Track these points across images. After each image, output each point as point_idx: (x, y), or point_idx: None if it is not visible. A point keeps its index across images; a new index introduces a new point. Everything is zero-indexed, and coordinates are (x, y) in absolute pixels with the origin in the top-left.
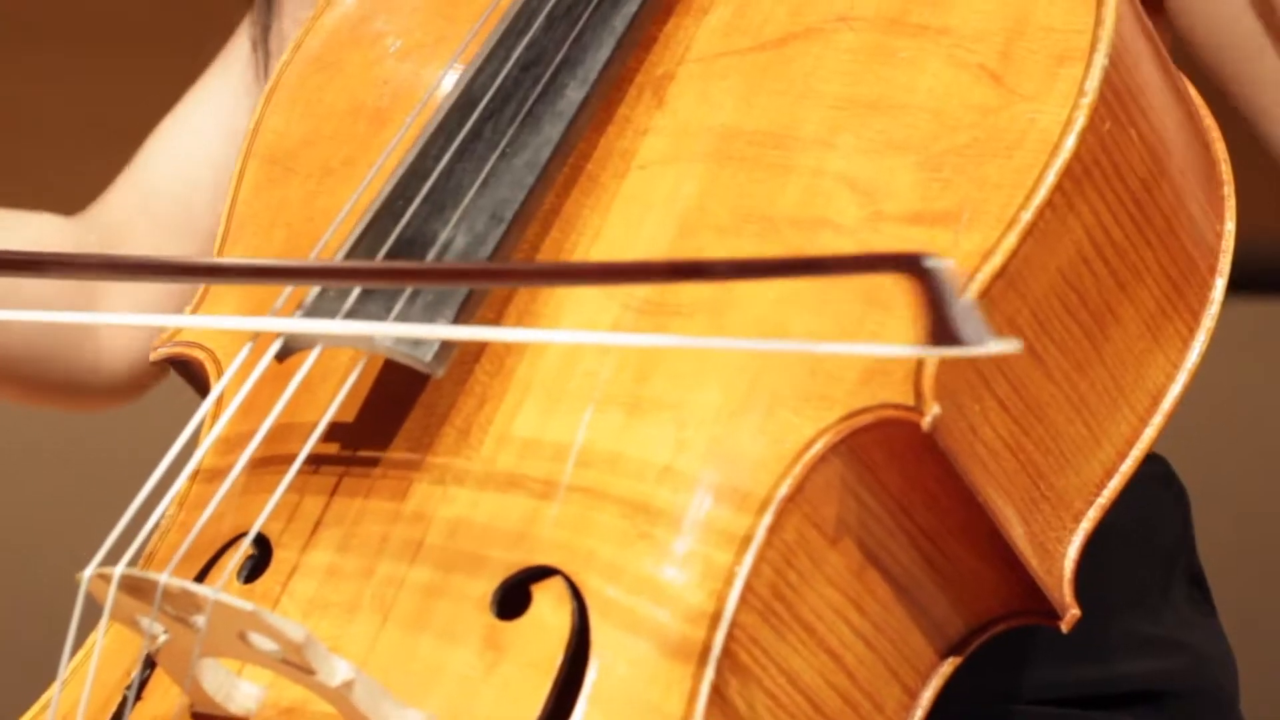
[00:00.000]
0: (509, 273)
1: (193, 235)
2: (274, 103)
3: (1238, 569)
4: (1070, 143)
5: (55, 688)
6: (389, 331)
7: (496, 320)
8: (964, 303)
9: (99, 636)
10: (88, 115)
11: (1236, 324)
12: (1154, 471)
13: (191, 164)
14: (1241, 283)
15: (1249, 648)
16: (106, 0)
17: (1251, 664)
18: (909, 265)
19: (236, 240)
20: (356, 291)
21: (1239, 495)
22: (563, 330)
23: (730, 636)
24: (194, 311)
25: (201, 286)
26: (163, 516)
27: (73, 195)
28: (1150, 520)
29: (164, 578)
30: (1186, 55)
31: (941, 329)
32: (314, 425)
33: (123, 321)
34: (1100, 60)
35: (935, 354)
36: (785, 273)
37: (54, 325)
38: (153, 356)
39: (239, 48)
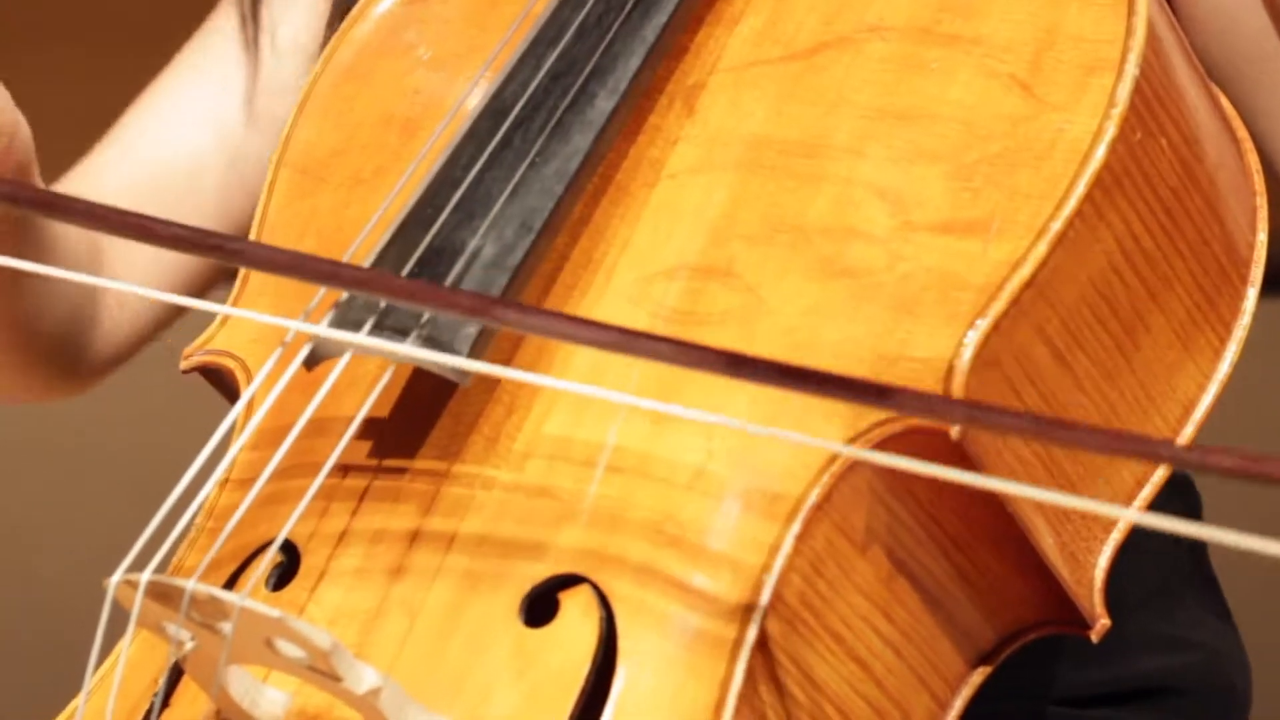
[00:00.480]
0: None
1: (195, 213)
2: (305, 113)
3: (1250, 570)
4: (1100, 153)
5: (81, 696)
6: (410, 355)
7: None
8: None
9: (126, 643)
10: (88, 115)
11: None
12: None
13: (174, 148)
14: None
15: (1261, 648)
16: (107, 0)
17: (1263, 664)
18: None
19: None
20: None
21: (1251, 496)
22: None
23: (758, 645)
24: (219, 329)
25: (236, 289)
26: (190, 524)
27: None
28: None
29: (191, 584)
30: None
31: None
32: (342, 433)
33: (152, 295)
34: (1131, 70)
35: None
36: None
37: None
38: (183, 365)
39: (222, 24)
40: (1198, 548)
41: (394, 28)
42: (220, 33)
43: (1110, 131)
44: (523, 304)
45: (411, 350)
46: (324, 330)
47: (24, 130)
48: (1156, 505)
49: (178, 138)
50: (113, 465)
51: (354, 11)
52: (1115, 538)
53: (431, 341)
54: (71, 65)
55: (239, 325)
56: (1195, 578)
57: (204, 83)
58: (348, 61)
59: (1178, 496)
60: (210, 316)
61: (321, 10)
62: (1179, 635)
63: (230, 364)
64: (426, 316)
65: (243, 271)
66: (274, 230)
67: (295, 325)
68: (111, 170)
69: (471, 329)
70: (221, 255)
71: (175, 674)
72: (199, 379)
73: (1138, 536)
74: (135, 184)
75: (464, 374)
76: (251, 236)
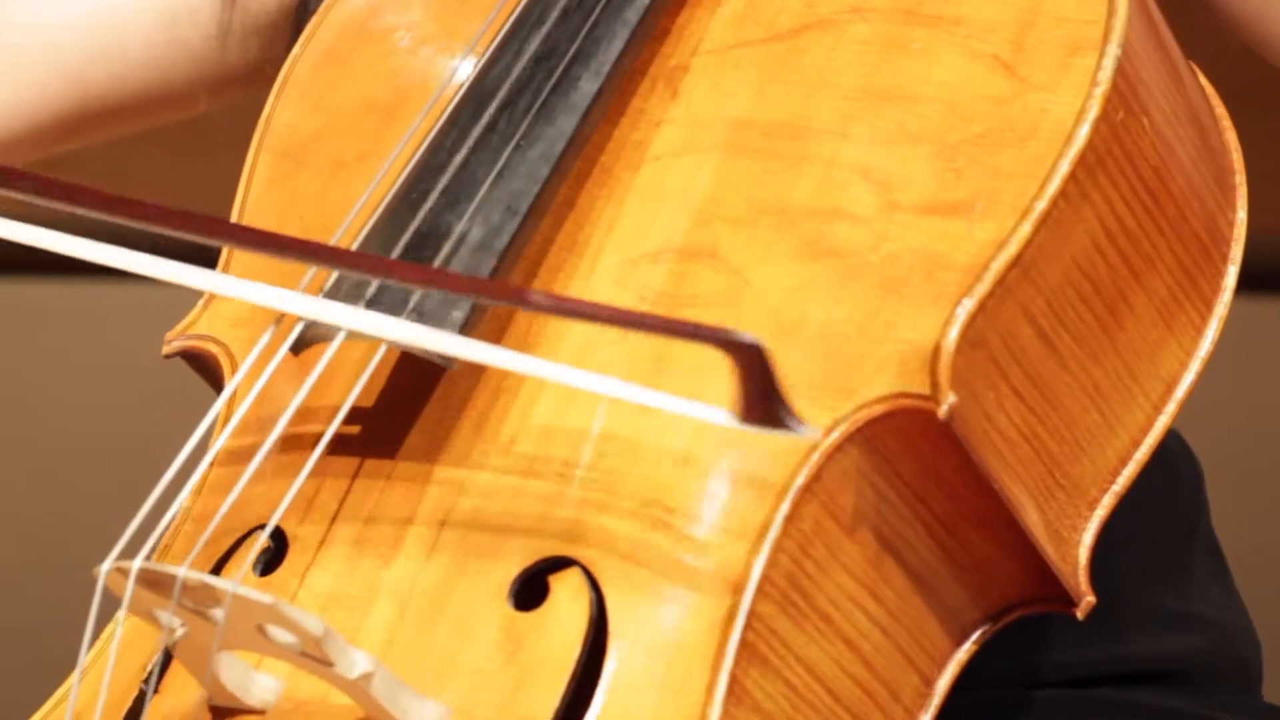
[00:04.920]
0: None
1: (59, 70)
2: (285, 96)
3: (1251, 541)
4: (1084, 132)
5: (75, 677)
6: (399, 337)
7: (512, 311)
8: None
9: (117, 630)
10: None
11: (1248, 309)
12: (1167, 444)
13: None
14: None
15: (1266, 621)
16: None
17: (1269, 637)
18: (731, 344)
19: None
20: (378, 284)
21: (1252, 468)
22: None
23: (748, 626)
24: (202, 312)
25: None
26: (179, 510)
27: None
28: (1165, 493)
29: (182, 571)
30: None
31: (757, 407)
32: (330, 418)
33: (150, 273)
34: (1113, 50)
35: (745, 428)
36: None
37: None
38: (166, 350)
39: None
40: (1199, 517)
41: (374, 10)
42: None
43: (1093, 111)
44: (513, 284)
45: (406, 329)
46: (318, 309)
47: None
48: (1153, 470)
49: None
50: (96, 450)
51: None
52: (1100, 515)
53: (420, 320)
54: None
55: (221, 309)
56: (1198, 548)
57: None
58: (327, 43)
59: (1177, 460)
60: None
61: None
62: (1186, 610)
63: (213, 349)
64: (414, 300)
65: (224, 257)
66: (254, 215)
67: (291, 306)
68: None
69: (460, 312)
70: (204, 235)
71: (164, 660)
72: (181, 363)
73: (1140, 509)
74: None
75: (450, 359)
76: (232, 220)
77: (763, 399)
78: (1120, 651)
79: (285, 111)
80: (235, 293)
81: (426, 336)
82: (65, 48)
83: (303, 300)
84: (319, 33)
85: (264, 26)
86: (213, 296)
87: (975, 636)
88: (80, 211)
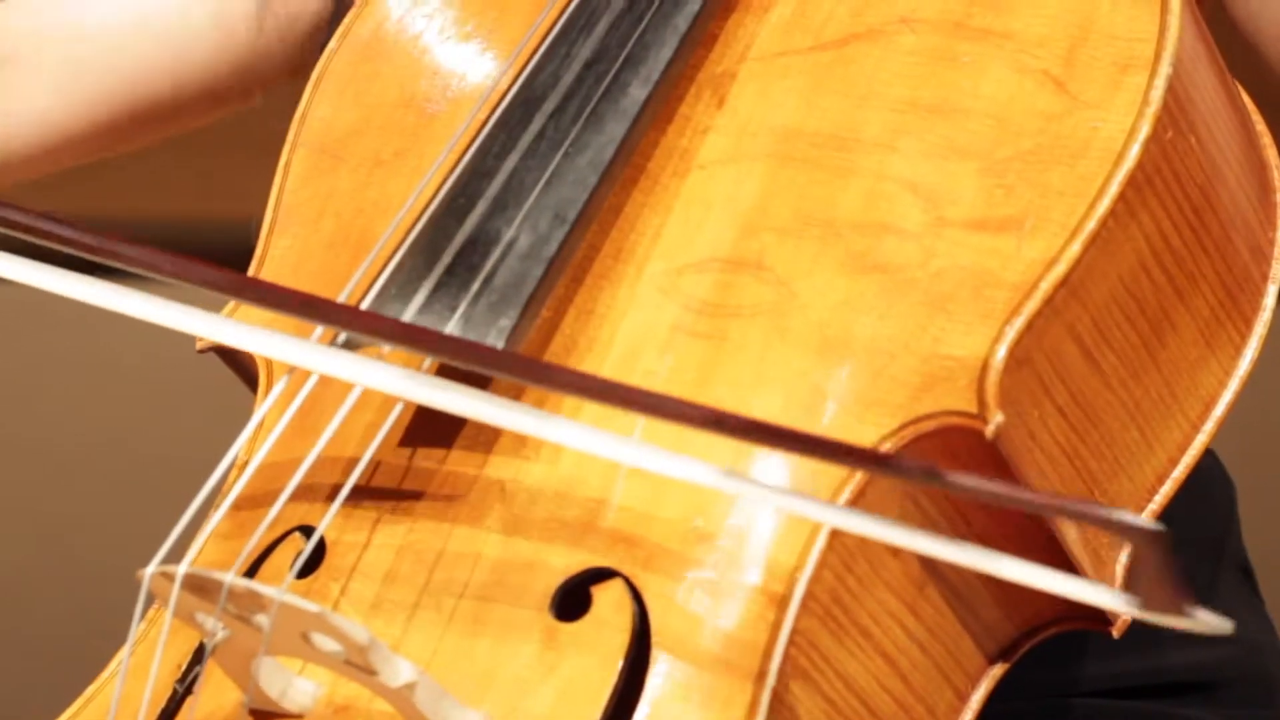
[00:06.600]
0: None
1: (112, 72)
2: (321, 91)
3: None
4: (1134, 151)
5: (116, 685)
6: (415, 395)
7: (556, 320)
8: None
9: (164, 634)
10: None
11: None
12: (1200, 461)
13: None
14: None
15: None
16: None
17: None
18: (1130, 530)
19: (284, 230)
20: (426, 285)
21: None
22: (577, 427)
23: (791, 642)
24: (234, 312)
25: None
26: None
27: (73, 192)
28: (1197, 510)
29: (229, 577)
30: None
31: (1160, 598)
32: (374, 425)
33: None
34: (1165, 70)
35: (1144, 616)
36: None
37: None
38: (198, 346)
39: None
40: (1229, 533)
41: (413, 5)
42: None
43: (1144, 130)
44: (521, 356)
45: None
46: (333, 359)
47: None
48: (1185, 486)
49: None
50: (132, 449)
51: None
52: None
53: (468, 328)
54: None
55: (253, 309)
56: (1228, 565)
57: None
58: (365, 39)
59: (1210, 477)
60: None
61: None
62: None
63: None
64: (463, 306)
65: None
66: (290, 211)
67: (308, 360)
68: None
69: (508, 320)
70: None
71: (197, 662)
72: (206, 362)
73: (1172, 525)
74: (58, 26)
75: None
76: (266, 217)
77: (1166, 586)
78: (1156, 663)
79: (321, 106)
80: (243, 343)
81: (451, 399)
82: (123, 51)
83: (316, 352)
84: (356, 27)
85: (305, 14)
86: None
87: (1011, 654)
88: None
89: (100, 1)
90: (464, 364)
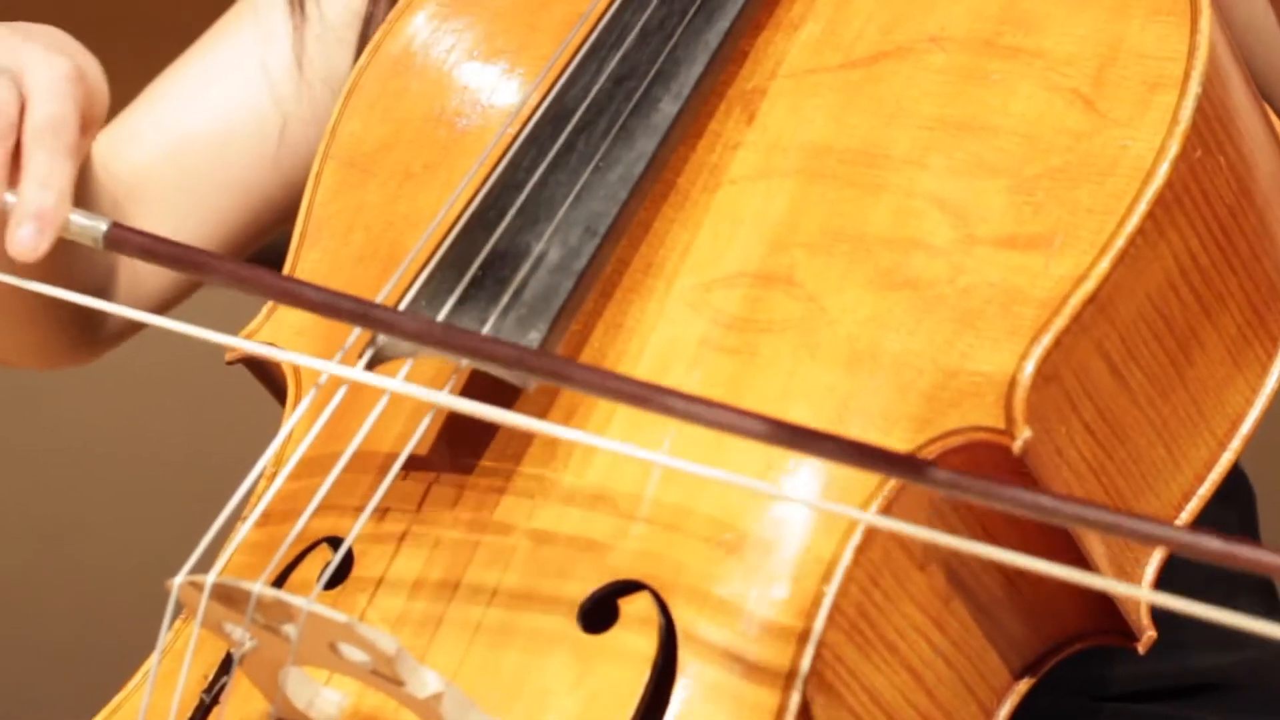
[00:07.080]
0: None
1: (225, 187)
2: (351, 105)
3: None
4: (1164, 170)
5: (146, 687)
6: (444, 401)
7: (585, 333)
8: None
9: (192, 643)
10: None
11: None
12: None
13: (228, 110)
14: None
15: None
16: (107, 1)
17: None
18: None
19: (314, 243)
20: (455, 298)
21: None
22: (610, 440)
23: (817, 655)
24: (265, 321)
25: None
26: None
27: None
28: (1216, 516)
29: (258, 587)
30: None
31: None
32: (403, 436)
33: (189, 332)
34: (1194, 89)
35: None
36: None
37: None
38: (229, 357)
39: None
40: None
41: (443, 21)
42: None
43: (1174, 149)
44: (556, 356)
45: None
46: (361, 375)
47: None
48: (1208, 515)
49: (233, 107)
50: (157, 458)
51: (400, 3)
52: (1161, 552)
53: (502, 334)
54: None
55: (284, 317)
56: (1248, 577)
57: (252, 50)
58: (395, 54)
59: (1229, 483)
60: (254, 307)
61: None
62: (1233, 632)
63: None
64: (493, 316)
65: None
66: (320, 224)
67: (337, 368)
68: (140, 140)
69: (536, 333)
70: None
71: (224, 671)
72: (243, 371)
73: None
74: (163, 152)
75: (525, 379)
76: (296, 230)
77: None
78: (1167, 668)
79: (352, 121)
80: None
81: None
82: (226, 164)
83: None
84: (386, 43)
85: (331, 43)
86: (271, 312)
87: (1036, 669)
88: None
89: (195, 117)
90: (507, 369)
